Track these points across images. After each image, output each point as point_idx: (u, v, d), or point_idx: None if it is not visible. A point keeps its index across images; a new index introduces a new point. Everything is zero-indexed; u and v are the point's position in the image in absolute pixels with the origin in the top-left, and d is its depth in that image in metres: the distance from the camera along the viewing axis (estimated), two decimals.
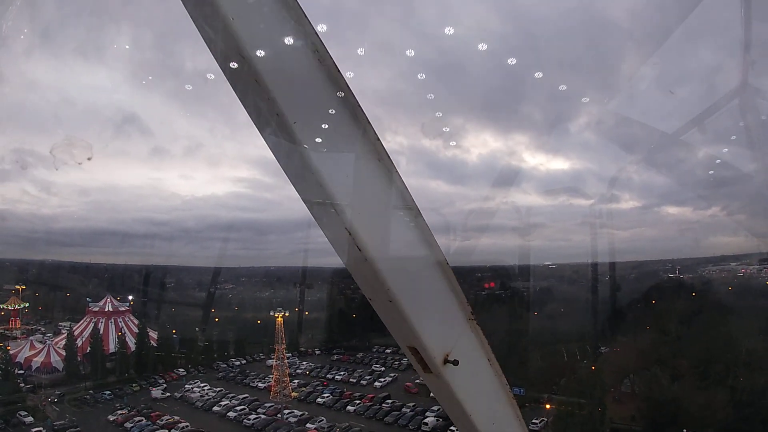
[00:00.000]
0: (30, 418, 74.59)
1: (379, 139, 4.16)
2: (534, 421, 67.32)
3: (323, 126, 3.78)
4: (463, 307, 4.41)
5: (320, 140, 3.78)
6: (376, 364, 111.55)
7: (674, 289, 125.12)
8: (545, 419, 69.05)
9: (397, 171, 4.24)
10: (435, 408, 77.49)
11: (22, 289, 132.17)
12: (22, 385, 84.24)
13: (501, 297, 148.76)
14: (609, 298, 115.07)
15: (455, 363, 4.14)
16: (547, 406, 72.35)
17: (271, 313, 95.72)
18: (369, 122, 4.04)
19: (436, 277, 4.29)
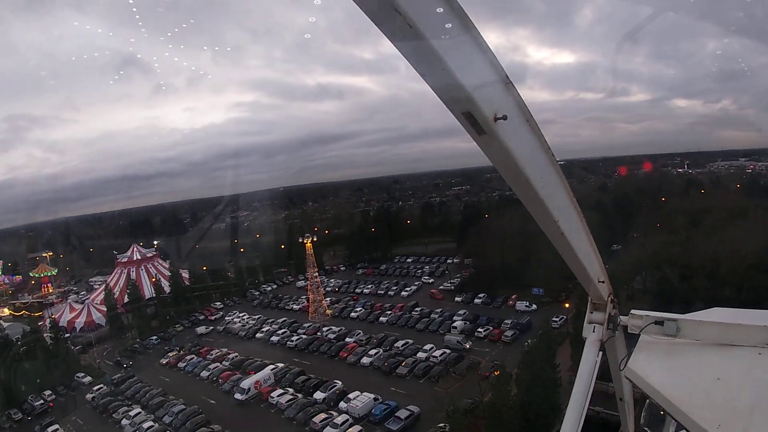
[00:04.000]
0: (88, 378, 77.05)
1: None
2: (554, 318, 69.74)
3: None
4: (499, 71, 4.45)
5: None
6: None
7: (684, 186, 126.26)
8: (564, 317, 71.14)
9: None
10: (461, 312, 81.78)
11: (50, 255, 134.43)
12: (72, 347, 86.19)
13: (513, 198, 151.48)
14: (620, 194, 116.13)
15: (504, 118, 4.40)
16: (566, 305, 74.01)
17: (300, 240, 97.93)
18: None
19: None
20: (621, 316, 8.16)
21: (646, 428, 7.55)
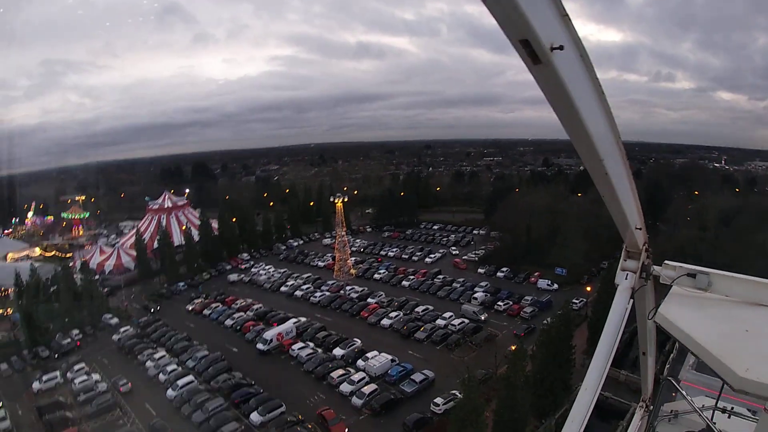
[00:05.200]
0: (115, 320, 79.13)
1: None
2: (574, 300, 69.77)
3: None
4: (557, 3, 4.48)
5: None
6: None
7: (718, 182, 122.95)
8: (584, 299, 71.24)
9: None
10: (483, 284, 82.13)
11: (82, 199, 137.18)
12: (100, 289, 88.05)
13: (544, 175, 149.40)
14: (653, 182, 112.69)
15: (561, 48, 4.42)
16: (588, 288, 74.32)
17: (331, 199, 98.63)
18: None
19: None
20: (654, 266, 8.31)
21: (669, 377, 7.99)
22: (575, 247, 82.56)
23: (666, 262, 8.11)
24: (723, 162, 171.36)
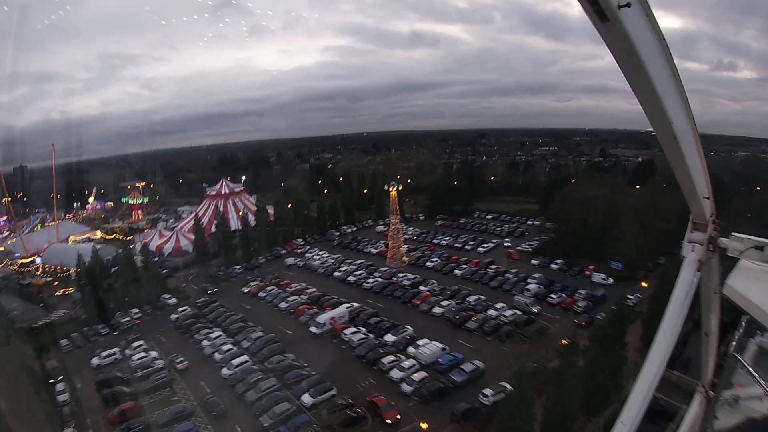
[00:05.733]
0: (173, 300, 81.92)
1: None
2: (629, 296, 65.83)
3: None
4: None
5: None
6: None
7: None
8: (640, 296, 69.27)
9: None
10: (536, 275, 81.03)
11: (141, 185, 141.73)
12: (159, 271, 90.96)
13: (602, 166, 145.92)
14: (713, 176, 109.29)
15: (628, 5, 4.43)
16: (644, 284, 72.68)
17: (385, 187, 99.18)
18: None
19: None
20: (721, 238, 8.08)
21: (734, 354, 7.62)
22: (632, 241, 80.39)
23: (733, 233, 7.97)
24: None
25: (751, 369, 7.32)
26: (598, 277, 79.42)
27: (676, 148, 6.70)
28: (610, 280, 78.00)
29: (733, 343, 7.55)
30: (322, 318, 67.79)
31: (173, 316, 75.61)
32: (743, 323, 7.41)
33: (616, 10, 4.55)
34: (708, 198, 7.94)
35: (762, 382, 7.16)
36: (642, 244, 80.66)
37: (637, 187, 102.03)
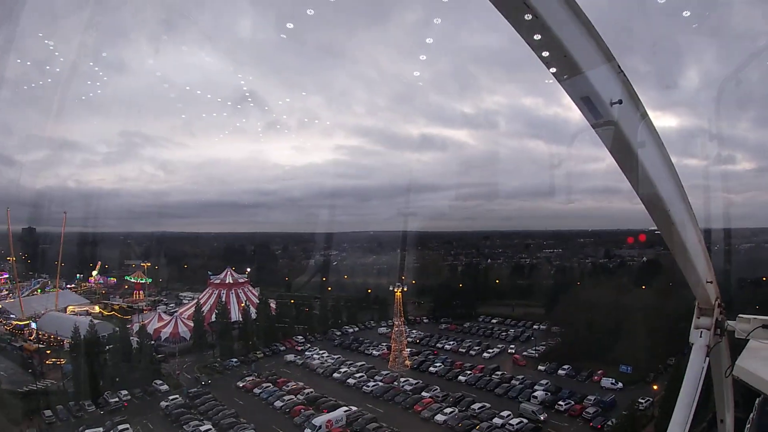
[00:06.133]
0: (165, 386, 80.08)
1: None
2: (640, 400, 66.76)
3: None
4: (611, 60, 4.97)
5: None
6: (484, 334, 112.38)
7: None
8: (651, 399, 68.10)
9: None
10: (543, 382, 78.75)
11: (147, 266, 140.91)
12: (155, 355, 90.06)
13: (606, 267, 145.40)
14: (721, 271, 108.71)
15: (619, 102, 4.95)
16: (655, 387, 71.49)
17: (390, 288, 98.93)
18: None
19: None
20: (728, 321, 8.08)
21: None
22: (640, 342, 79.34)
23: (740, 315, 7.93)
24: None
25: None
26: (607, 381, 77.47)
27: (675, 235, 6.90)
28: (620, 384, 76.11)
29: (748, 425, 7.25)
30: (319, 420, 65.25)
31: (163, 403, 73.70)
32: (757, 406, 6.98)
33: (608, 107, 5.06)
34: (711, 282, 8.07)
35: None
36: (651, 345, 79.20)
37: (643, 287, 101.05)
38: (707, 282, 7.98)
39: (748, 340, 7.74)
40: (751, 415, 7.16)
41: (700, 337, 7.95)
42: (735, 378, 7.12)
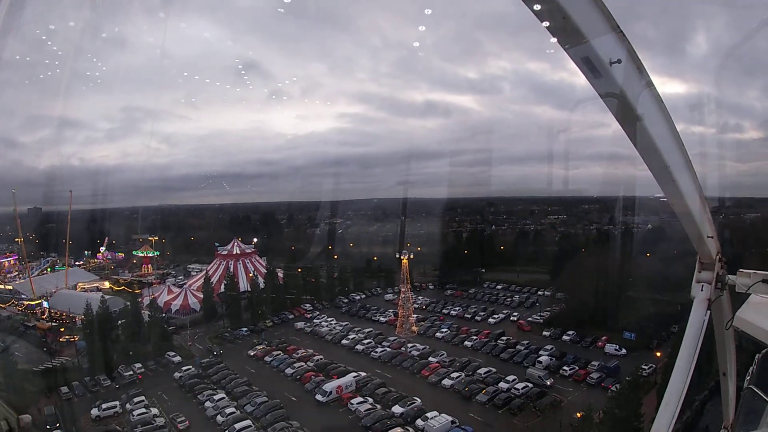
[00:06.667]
0: (178, 358, 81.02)
1: None
2: (643, 366, 67.67)
3: None
4: (611, 21, 5.08)
5: None
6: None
7: None
8: (654, 365, 68.98)
9: None
10: (548, 347, 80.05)
11: (154, 239, 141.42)
12: (166, 327, 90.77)
13: (609, 233, 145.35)
14: (726, 240, 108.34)
15: (618, 62, 5.11)
16: (658, 354, 71.98)
17: (397, 256, 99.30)
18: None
19: None
20: (729, 276, 8.36)
21: (751, 386, 7.34)
22: (644, 310, 79.78)
23: (740, 270, 8.17)
24: None
25: (765, 397, 7.19)
26: (611, 347, 78.27)
27: (676, 192, 7.08)
28: (624, 351, 76.90)
29: (748, 378, 7.45)
30: (329, 386, 66.61)
31: (177, 374, 74.91)
32: (757, 360, 7.25)
33: (608, 66, 5.08)
34: (712, 237, 8.30)
35: None
36: (654, 312, 79.84)
37: (648, 255, 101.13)
38: (708, 237, 8.21)
39: (749, 294, 7.97)
40: (751, 368, 7.35)
41: (702, 290, 8.26)
42: (736, 330, 7.54)
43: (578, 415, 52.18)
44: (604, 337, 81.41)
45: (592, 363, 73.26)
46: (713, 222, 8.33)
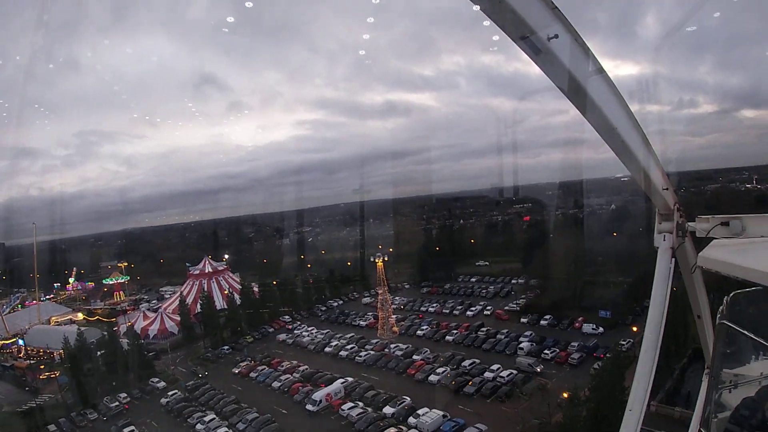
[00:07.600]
0: (162, 383, 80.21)
1: None
2: (621, 342, 69.47)
3: None
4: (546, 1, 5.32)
5: None
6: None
7: (753, 204, 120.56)
8: (632, 340, 70.45)
9: None
10: (527, 333, 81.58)
11: (123, 265, 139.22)
12: (146, 353, 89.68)
13: (575, 217, 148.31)
14: (689, 214, 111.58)
15: (556, 37, 5.20)
16: (634, 328, 73.57)
17: (371, 259, 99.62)
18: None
19: None
20: (688, 223, 8.83)
21: (723, 321, 7.59)
22: (616, 287, 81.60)
23: (699, 216, 8.70)
24: (754, 182, 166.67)
25: (738, 329, 7.54)
26: (588, 327, 79.93)
27: (627, 151, 7.44)
28: (601, 329, 78.58)
29: (719, 316, 7.80)
30: (318, 395, 66.91)
31: (163, 400, 74.33)
32: (726, 300, 7.58)
33: (546, 42, 5.34)
34: (667, 189, 8.79)
35: (752, 336, 7.41)
36: (627, 289, 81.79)
37: (614, 234, 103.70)
38: (663, 189, 8.65)
39: (711, 240, 8.37)
40: (721, 307, 7.65)
41: (664, 240, 8.75)
42: (703, 269, 7.83)
43: (565, 395, 53.51)
44: (580, 318, 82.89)
45: (572, 344, 74.77)
46: (666, 176, 8.75)
